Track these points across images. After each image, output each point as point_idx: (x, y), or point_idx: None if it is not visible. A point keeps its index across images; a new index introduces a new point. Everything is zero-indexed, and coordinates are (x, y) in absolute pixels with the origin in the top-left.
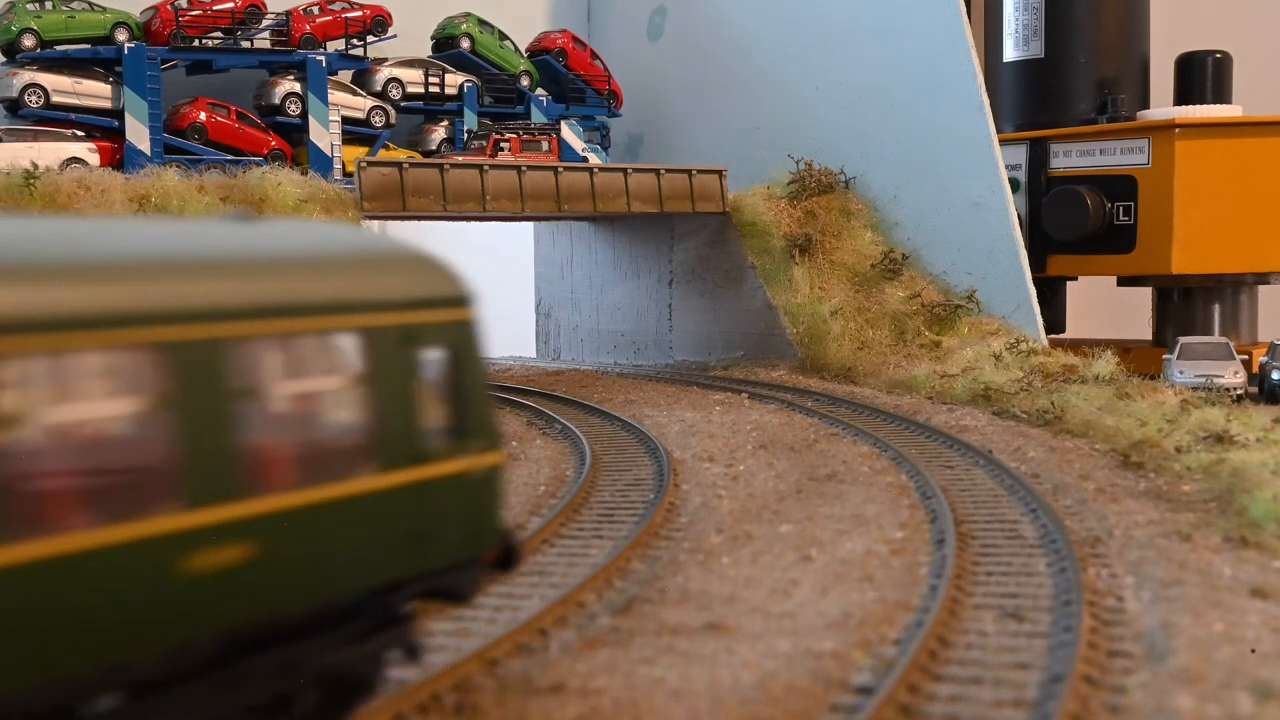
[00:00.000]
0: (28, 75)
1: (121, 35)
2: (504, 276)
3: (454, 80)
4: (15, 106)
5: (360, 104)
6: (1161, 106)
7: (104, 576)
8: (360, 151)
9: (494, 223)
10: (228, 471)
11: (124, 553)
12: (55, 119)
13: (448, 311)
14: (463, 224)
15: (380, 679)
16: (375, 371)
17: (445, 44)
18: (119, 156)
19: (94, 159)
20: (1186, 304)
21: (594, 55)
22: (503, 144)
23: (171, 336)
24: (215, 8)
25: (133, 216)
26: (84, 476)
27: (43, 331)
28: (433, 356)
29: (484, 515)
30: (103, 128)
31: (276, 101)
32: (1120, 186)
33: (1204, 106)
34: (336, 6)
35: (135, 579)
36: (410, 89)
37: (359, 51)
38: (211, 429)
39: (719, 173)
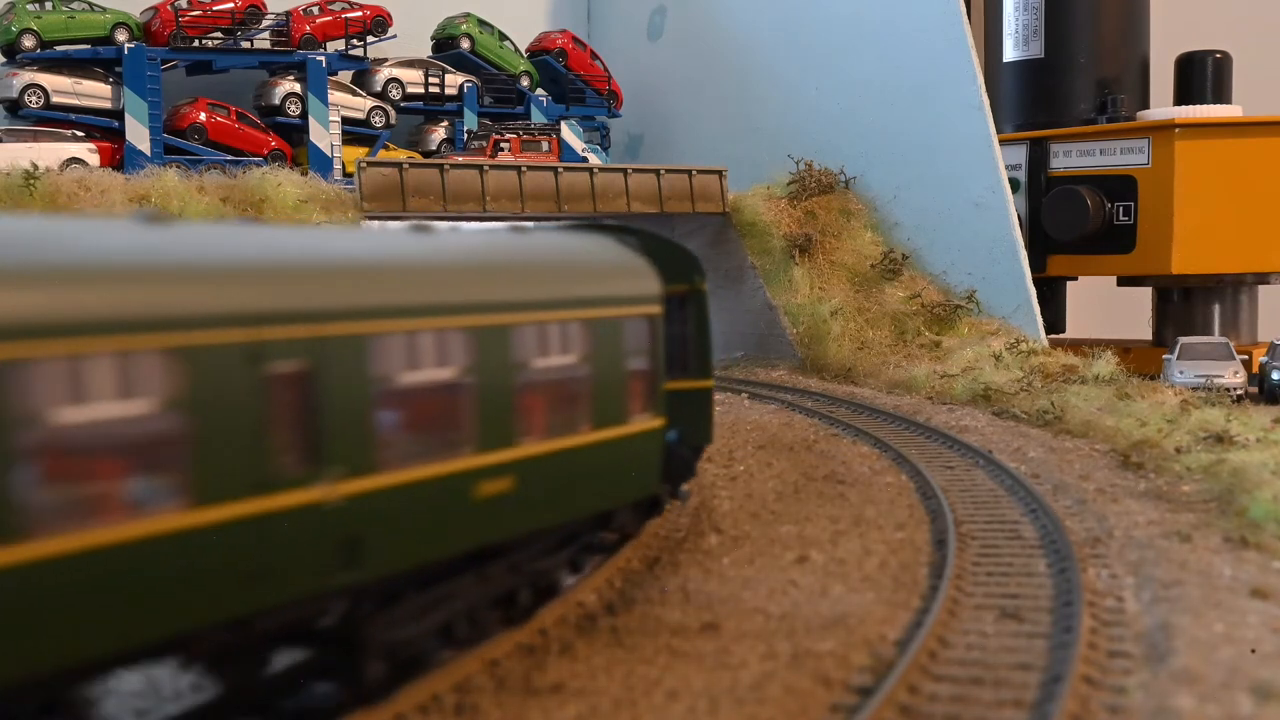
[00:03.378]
0: (28, 75)
1: (121, 35)
2: None
3: (454, 80)
4: (15, 107)
5: (360, 104)
6: (1161, 106)
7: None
8: (360, 151)
9: (494, 223)
10: (698, 361)
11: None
12: (55, 119)
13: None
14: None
15: None
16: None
17: (445, 44)
18: (119, 157)
19: (94, 159)
20: (1186, 304)
21: (594, 55)
22: (503, 144)
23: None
24: (215, 8)
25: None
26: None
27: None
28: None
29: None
30: (103, 128)
31: (276, 102)
32: (1120, 186)
33: (1204, 106)
34: (336, 6)
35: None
36: (410, 89)
37: (359, 52)
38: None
39: (719, 173)
